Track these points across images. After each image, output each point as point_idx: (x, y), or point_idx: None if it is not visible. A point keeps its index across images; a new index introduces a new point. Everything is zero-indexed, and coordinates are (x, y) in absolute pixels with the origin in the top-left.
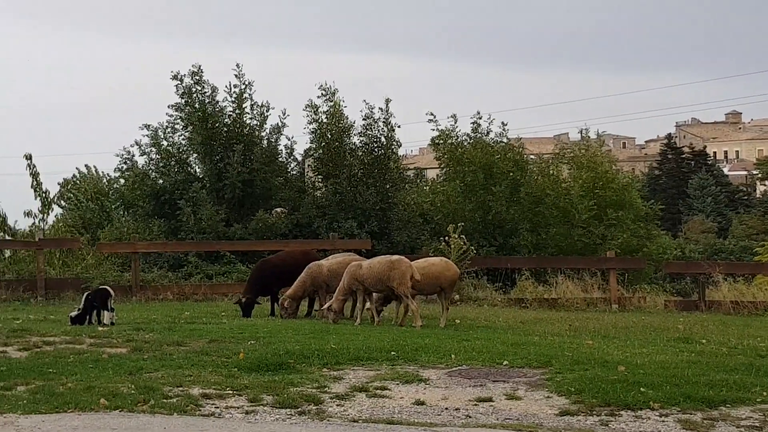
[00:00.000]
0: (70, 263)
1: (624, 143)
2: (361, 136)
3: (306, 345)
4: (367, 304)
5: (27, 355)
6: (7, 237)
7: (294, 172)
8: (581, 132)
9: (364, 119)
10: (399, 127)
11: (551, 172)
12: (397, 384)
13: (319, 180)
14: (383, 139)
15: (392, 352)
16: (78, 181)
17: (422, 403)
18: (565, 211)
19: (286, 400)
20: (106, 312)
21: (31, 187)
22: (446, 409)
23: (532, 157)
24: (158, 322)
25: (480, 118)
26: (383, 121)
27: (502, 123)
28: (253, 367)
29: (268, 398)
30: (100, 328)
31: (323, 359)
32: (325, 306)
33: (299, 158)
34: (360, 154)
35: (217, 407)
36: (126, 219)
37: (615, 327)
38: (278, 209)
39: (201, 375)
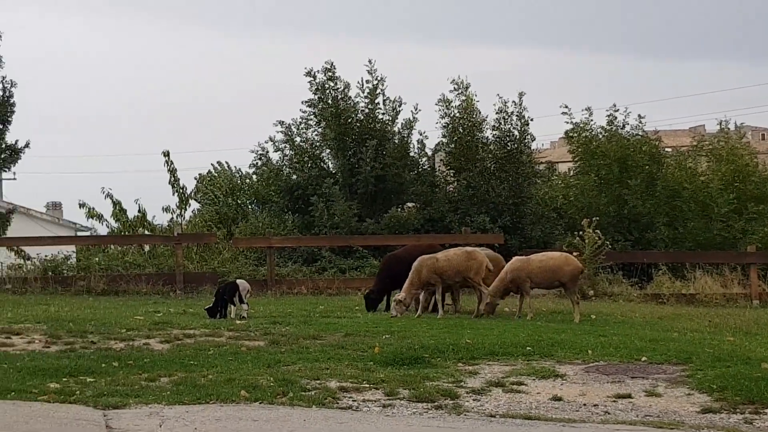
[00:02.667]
0: (207, 257)
1: (763, 135)
2: (493, 130)
3: (440, 339)
4: (421, 296)
5: (169, 347)
6: (146, 232)
7: (425, 167)
8: (720, 124)
9: (497, 113)
10: (532, 120)
11: (688, 165)
12: (534, 379)
13: (451, 174)
14: (516, 132)
15: (528, 348)
16: (213, 177)
17: (559, 399)
18: (704, 205)
19: (423, 394)
20: (233, 306)
21: (169, 183)
22: (584, 405)
23: (667, 150)
24: (294, 316)
25: (616, 111)
26: (516, 115)
27: (639, 116)
28: (388, 361)
29: (404, 392)
30: (238, 322)
31: (458, 354)
32: (396, 297)
33: (429, 153)
34: (492, 148)
35: (354, 400)
36: (260, 214)
37: (757, 323)
38: (410, 204)
39: (337, 368)
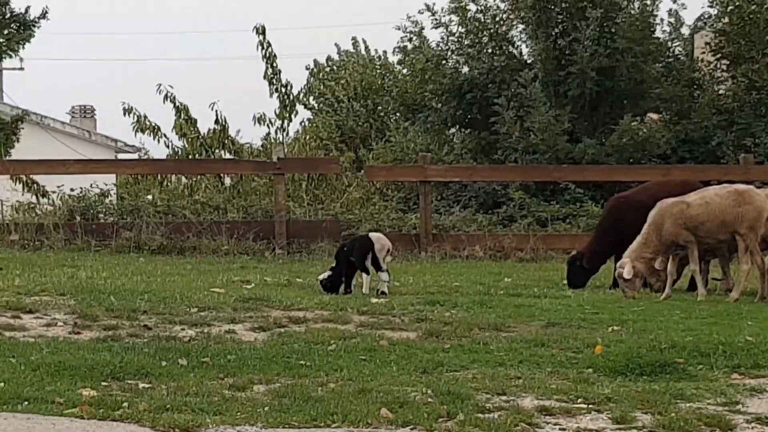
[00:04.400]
0: (323, 197)
1: None
2: None
3: (702, 335)
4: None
5: (265, 337)
6: (228, 155)
7: (680, 56)
8: None
9: None
10: None
11: None
12: None
13: (723, 69)
14: None
15: None
16: (335, 68)
17: None
18: None
19: (675, 422)
20: (365, 274)
21: (265, 77)
22: None
23: None
24: (463, 293)
25: None
26: None
27: None
28: (617, 368)
29: (644, 418)
30: (374, 300)
31: (732, 359)
32: (622, 266)
33: (687, 33)
34: None
35: (564, 430)
36: (410, 129)
37: None
38: (653, 115)
39: (535, 378)
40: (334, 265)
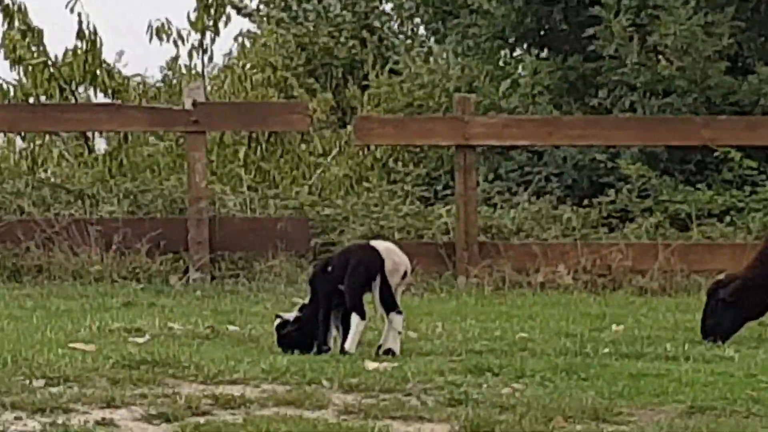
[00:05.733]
0: (278, 175)
1: None
2: None
3: None
4: None
5: None
6: (101, 97)
7: None
8: None
9: None
10: None
11: None
12: None
13: None
14: None
15: None
16: None
17: None
18: None
19: None
20: (357, 319)
21: None
22: None
23: None
24: (536, 352)
25: None
26: None
27: None
28: None
29: None
30: (372, 364)
31: None
32: None
33: None
34: None
35: None
36: (438, 49)
37: None
38: None
39: None
40: (306, 300)
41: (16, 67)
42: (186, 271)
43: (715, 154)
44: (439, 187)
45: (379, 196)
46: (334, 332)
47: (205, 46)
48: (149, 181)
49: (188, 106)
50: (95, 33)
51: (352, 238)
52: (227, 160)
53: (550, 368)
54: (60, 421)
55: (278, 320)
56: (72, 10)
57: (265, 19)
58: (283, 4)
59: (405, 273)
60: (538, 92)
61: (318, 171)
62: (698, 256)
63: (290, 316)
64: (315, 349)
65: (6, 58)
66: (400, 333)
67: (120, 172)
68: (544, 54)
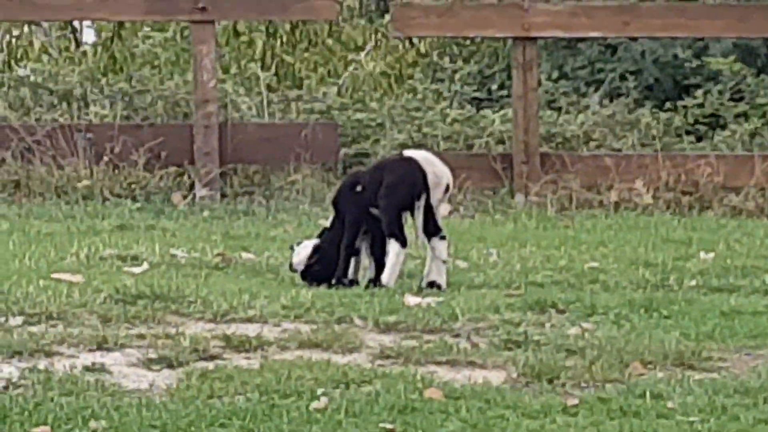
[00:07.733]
0: (302, 74)
1: None
2: None
3: None
4: None
5: (172, 382)
6: None
7: None
8: None
9: None
10: None
11: None
12: None
13: None
14: None
15: None
16: None
17: None
18: None
19: None
20: (396, 246)
21: None
22: None
23: None
24: (609, 285)
25: None
26: None
27: None
28: None
29: None
30: (413, 299)
31: None
32: None
33: None
34: None
35: None
36: None
37: None
38: None
39: None
40: (328, 224)
41: None
42: (191, 187)
43: None
44: (494, 87)
45: (421, 98)
46: (365, 262)
47: None
48: (147, 80)
49: None
50: None
51: (390, 148)
52: (241, 55)
53: (626, 304)
54: (41, 366)
55: (297, 250)
56: None
57: None
58: None
59: (447, 187)
60: None
61: (349, 68)
62: None
63: (307, 247)
64: (334, 281)
65: None
66: (445, 262)
67: (113, 69)
68: None
